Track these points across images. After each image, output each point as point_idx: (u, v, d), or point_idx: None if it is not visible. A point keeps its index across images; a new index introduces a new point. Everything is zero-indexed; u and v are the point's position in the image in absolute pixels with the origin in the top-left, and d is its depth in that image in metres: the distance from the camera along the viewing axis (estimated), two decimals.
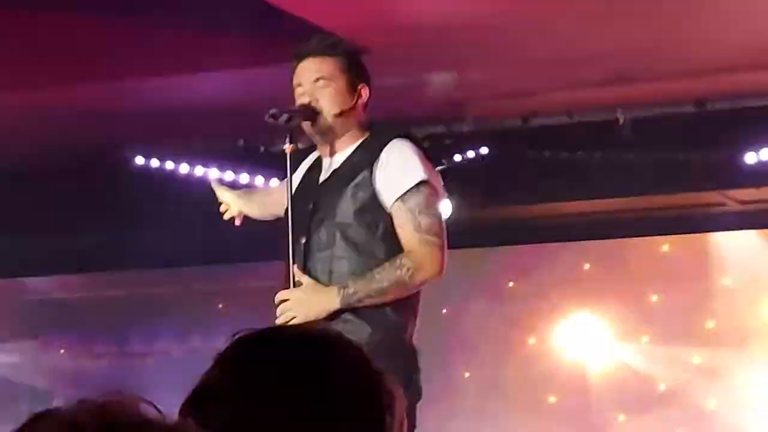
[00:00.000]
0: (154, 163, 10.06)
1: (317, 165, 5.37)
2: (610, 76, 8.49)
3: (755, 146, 8.66)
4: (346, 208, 5.12)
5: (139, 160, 9.95)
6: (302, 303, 5.13)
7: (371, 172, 5.12)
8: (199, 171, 9.76)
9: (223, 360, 1.79)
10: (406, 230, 5.07)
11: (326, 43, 5.28)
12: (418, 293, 5.29)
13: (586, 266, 10.41)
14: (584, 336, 10.46)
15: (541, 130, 9.05)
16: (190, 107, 8.99)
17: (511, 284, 10.36)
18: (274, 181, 5.58)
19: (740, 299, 10.07)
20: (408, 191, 5.06)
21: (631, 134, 8.96)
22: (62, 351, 11.34)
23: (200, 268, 11.01)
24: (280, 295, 5.22)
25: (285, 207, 5.30)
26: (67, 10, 8.30)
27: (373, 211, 5.11)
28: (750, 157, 8.67)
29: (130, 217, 10.21)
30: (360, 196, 5.10)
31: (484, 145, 9.02)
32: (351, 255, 5.13)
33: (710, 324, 10.11)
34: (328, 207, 5.19)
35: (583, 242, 10.30)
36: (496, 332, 10.13)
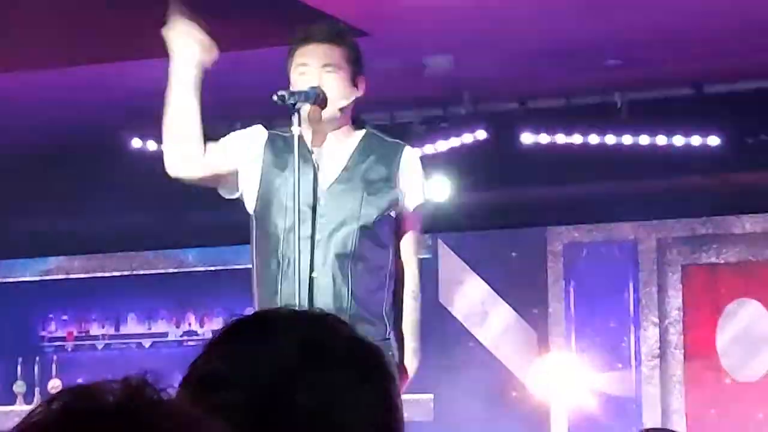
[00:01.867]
0: (151, 146, 9.75)
1: (306, 154, 5.29)
2: (608, 62, 8.47)
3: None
4: (369, 211, 5.17)
5: (136, 143, 9.87)
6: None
7: (392, 174, 5.20)
8: None
9: (222, 344, 1.75)
10: (410, 242, 5.25)
11: (336, 31, 5.27)
12: None
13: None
14: None
15: (536, 112, 9.02)
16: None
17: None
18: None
19: None
20: (419, 205, 5.23)
21: (629, 117, 8.95)
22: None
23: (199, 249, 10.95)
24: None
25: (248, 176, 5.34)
26: None
27: (393, 216, 5.20)
28: None
29: (128, 200, 10.09)
30: (382, 200, 5.15)
31: (480, 128, 8.96)
32: (367, 258, 5.20)
33: None
34: (347, 205, 5.23)
35: None
36: None
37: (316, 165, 5.22)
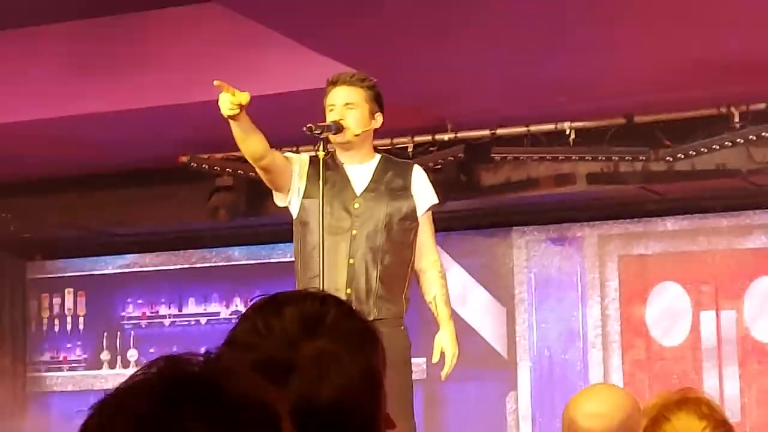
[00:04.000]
0: (206, 167, 9.50)
1: (337, 170, 5.33)
2: (560, 96, 8.20)
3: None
4: (393, 213, 5.18)
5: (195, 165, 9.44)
6: (455, 344, 5.21)
7: (408, 188, 5.21)
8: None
9: (247, 316, 1.74)
10: (429, 236, 5.23)
11: (357, 78, 5.29)
12: None
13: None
14: None
15: (503, 138, 8.79)
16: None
17: None
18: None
19: None
20: (431, 207, 5.24)
21: (577, 142, 8.65)
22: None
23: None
24: (450, 348, 5.24)
25: (298, 186, 5.29)
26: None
27: (411, 219, 5.20)
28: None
29: (189, 209, 10.04)
30: (403, 205, 5.17)
31: (460, 150, 8.78)
32: (393, 251, 5.17)
33: None
34: (377, 211, 5.22)
35: None
36: None
37: (349, 178, 5.26)
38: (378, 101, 5.33)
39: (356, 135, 5.18)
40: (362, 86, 5.26)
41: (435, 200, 5.32)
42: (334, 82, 5.28)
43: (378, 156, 5.37)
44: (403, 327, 5.20)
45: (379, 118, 5.32)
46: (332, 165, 5.26)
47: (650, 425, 2.39)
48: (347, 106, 5.16)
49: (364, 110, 5.20)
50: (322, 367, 1.61)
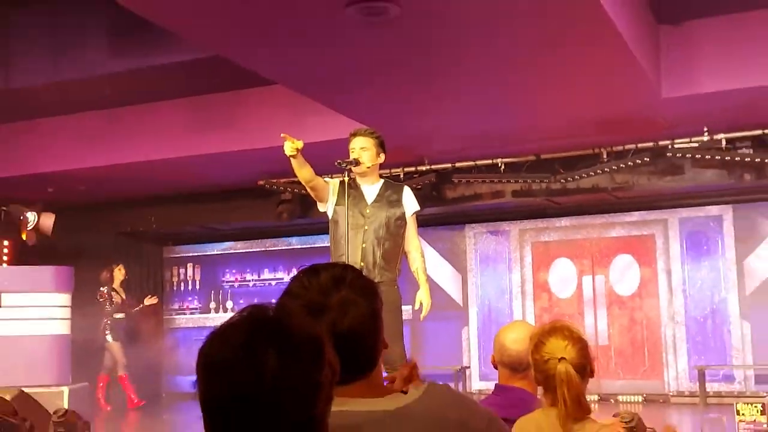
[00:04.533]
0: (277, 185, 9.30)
1: (356, 189, 5.14)
2: (495, 142, 8.11)
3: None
4: (391, 216, 5.03)
5: (269, 185, 9.35)
6: (429, 297, 5.02)
7: (401, 200, 5.06)
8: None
9: (296, 277, 1.67)
10: (413, 233, 5.07)
11: (369, 131, 5.11)
12: None
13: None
14: None
15: (459, 169, 8.72)
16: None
17: None
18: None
19: None
20: (414, 212, 5.07)
21: (505, 171, 8.55)
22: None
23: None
24: (426, 300, 5.03)
25: (331, 199, 5.13)
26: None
27: (402, 219, 5.02)
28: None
29: (261, 213, 9.98)
30: (397, 211, 5.03)
31: (432, 176, 8.70)
32: (390, 239, 5.01)
33: None
34: (381, 214, 5.06)
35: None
36: None
37: (364, 194, 5.09)
38: (382, 146, 5.17)
39: (368, 167, 5.05)
40: (372, 136, 5.12)
41: (417, 207, 5.07)
42: (354, 134, 5.17)
43: (382, 180, 5.15)
44: (396, 286, 4.91)
45: (382, 156, 5.18)
46: (353, 185, 5.07)
47: (534, 348, 2.36)
48: (362, 149, 5.04)
49: (373, 152, 5.05)
50: (344, 309, 1.57)
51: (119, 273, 9.91)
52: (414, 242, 5.22)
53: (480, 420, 1.49)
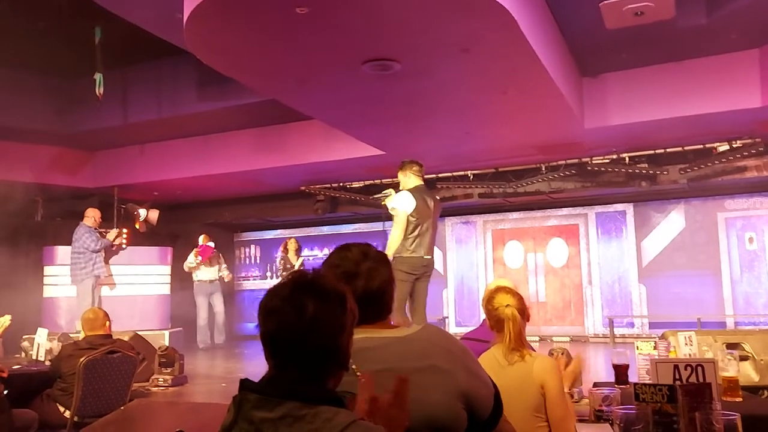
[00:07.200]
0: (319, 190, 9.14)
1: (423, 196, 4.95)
2: (465, 159, 7.96)
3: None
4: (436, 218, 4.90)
5: (312, 189, 9.23)
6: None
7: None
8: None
9: (335, 251, 1.58)
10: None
11: (404, 161, 5.12)
12: None
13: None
14: None
15: (441, 178, 8.60)
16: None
17: None
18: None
19: None
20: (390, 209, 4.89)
21: (473, 179, 8.42)
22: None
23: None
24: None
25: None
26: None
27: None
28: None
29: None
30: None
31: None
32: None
33: None
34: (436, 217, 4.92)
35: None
36: None
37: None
38: (402, 167, 5.12)
39: (400, 188, 5.01)
40: (402, 165, 5.14)
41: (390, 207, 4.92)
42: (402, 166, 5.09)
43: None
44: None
45: (399, 173, 5.14)
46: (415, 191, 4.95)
47: (487, 301, 2.35)
48: (398, 177, 5.09)
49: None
50: (372, 274, 1.51)
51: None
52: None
53: (458, 348, 1.49)
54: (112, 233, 8.18)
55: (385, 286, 1.52)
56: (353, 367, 1.31)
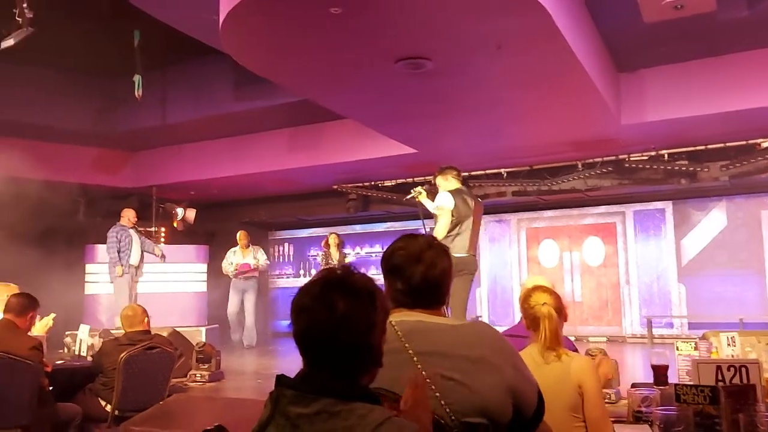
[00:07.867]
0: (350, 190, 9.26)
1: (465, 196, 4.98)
2: (499, 156, 7.90)
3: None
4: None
5: (343, 189, 9.27)
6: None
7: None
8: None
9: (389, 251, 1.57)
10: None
11: (441, 167, 5.11)
12: None
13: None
14: None
15: (474, 176, 8.47)
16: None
17: None
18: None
19: None
20: (436, 207, 4.91)
21: (507, 177, 8.33)
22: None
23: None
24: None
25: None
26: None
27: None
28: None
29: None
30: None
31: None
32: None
33: None
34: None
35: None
36: None
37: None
38: (440, 172, 5.11)
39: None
40: (438, 171, 5.13)
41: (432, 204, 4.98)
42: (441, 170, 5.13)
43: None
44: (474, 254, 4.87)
45: (438, 177, 5.16)
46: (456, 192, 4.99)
47: (523, 300, 2.34)
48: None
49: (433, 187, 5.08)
50: (434, 263, 1.53)
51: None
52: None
53: (507, 345, 1.51)
54: (158, 250, 7.95)
55: (444, 276, 1.55)
56: (405, 345, 1.36)
